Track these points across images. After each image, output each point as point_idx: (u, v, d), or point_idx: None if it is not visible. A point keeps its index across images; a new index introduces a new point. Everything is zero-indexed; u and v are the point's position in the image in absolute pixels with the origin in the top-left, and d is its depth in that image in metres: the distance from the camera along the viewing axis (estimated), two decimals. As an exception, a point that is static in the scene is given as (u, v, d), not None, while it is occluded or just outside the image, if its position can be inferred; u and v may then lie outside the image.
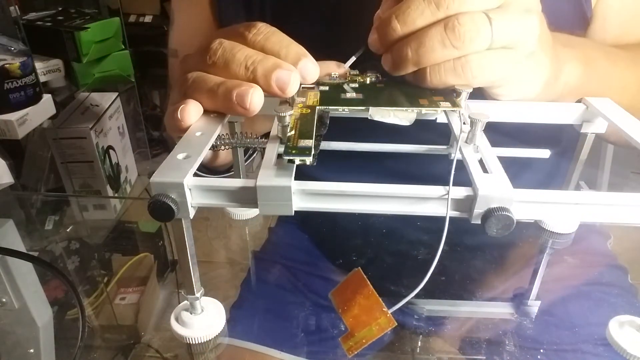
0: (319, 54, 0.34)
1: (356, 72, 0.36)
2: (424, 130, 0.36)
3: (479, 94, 0.34)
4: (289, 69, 0.30)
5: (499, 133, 0.33)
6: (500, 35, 0.30)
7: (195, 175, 0.27)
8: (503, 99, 0.35)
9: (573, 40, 0.41)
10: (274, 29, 0.32)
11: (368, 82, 0.35)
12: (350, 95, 0.33)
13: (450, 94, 0.32)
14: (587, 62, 0.39)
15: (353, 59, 0.36)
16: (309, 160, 0.26)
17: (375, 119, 0.31)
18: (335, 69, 0.36)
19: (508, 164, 0.28)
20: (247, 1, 0.50)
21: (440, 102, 0.31)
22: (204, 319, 0.34)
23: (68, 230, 0.65)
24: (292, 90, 0.30)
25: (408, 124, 0.31)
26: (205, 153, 0.29)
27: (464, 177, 0.27)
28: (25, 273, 0.49)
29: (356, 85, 0.35)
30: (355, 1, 0.33)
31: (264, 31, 0.32)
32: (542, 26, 0.32)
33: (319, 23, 0.48)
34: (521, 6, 0.31)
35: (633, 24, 0.48)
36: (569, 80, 0.37)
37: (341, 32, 0.33)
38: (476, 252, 0.51)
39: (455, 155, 0.29)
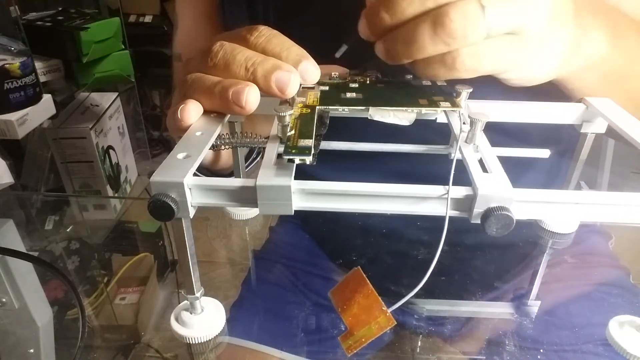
0: (323, 57, 0.34)
1: (356, 72, 0.37)
2: (424, 130, 0.36)
3: (480, 93, 0.34)
4: (289, 70, 0.30)
5: (499, 133, 0.33)
6: (496, 25, 0.28)
7: (196, 175, 0.27)
8: (515, 83, 0.34)
9: (603, 7, 0.38)
10: (275, 31, 0.32)
11: (368, 82, 0.35)
12: (350, 95, 0.33)
13: (450, 94, 0.32)
14: (615, 31, 0.36)
15: (342, 49, 0.35)
16: (308, 159, 0.26)
17: (375, 119, 0.31)
18: (336, 71, 0.36)
19: (509, 165, 0.28)
20: (251, 5, 0.50)
21: (440, 102, 0.31)
22: (204, 318, 0.34)
23: (68, 230, 0.65)
24: (292, 91, 0.30)
25: (408, 124, 0.31)
26: (205, 152, 0.29)
27: (464, 177, 0.27)
28: (25, 273, 0.49)
29: (356, 85, 0.35)
30: (359, 5, 0.32)
31: (265, 34, 0.32)
32: None
33: (322, 27, 0.48)
34: None
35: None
36: (594, 51, 0.35)
37: (344, 34, 0.33)
38: (476, 252, 0.51)
39: (455, 155, 0.29)
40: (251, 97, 0.29)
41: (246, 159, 0.54)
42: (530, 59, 0.31)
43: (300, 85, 0.31)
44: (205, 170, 0.47)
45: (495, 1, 0.28)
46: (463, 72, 0.29)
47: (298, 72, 0.30)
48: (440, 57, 0.29)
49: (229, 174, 0.51)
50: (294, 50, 0.31)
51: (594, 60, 0.35)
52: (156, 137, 1.88)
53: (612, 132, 0.45)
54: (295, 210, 0.27)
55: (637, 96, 0.35)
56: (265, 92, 0.30)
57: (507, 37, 0.29)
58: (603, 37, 0.35)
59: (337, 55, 0.36)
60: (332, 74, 0.36)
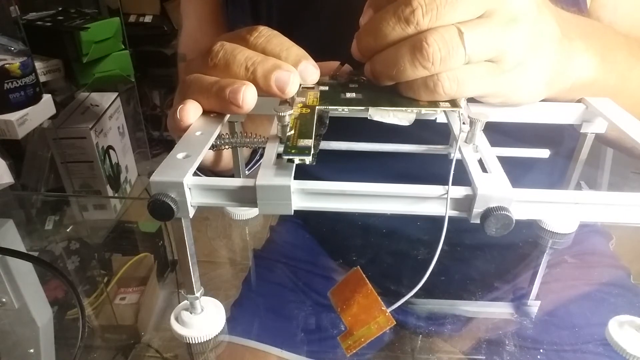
0: (325, 58, 0.34)
1: (356, 72, 0.36)
2: (423, 130, 0.36)
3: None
4: (289, 70, 0.30)
5: (499, 133, 0.33)
6: (475, 51, 0.28)
7: (196, 175, 0.27)
8: (498, 106, 0.34)
9: (593, 28, 0.38)
10: (275, 32, 0.32)
11: (368, 82, 0.35)
12: (350, 95, 0.33)
13: None
14: (605, 54, 0.36)
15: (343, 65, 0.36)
16: (308, 159, 0.26)
17: (375, 119, 0.31)
18: (333, 67, 0.36)
19: (509, 165, 0.28)
20: (254, 6, 0.50)
21: (440, 102, 0.31)
22: (203, 318, 0.34)
23: (68, 230, 0.65)
24: (291, 90, 0.30)
25: (408, 124, 0.31)
26: (205, 152, 0.29)
27: (463, 177, 0.27)
28: (25, 273, 0.49)
29: (356, 85, 0.35)
30: (359, 5, 0.32)
31: (265, 34, 0.32)
32: (540, 25, 0.31)
33: (324, 28, 0.48)
34: (506, 16, 0.29)
35: (630, 21, 0.48)
36: (582, 75, 0.35)
37: (347, 38, 0.33)
38: (476, 252, 0.51)
39: (455, 155, 0.29)
40: (248, 96, 0.29)
41: (248, 162, 0.54)
42: (511, 86, 0.32)
43: (300, 85, 0.32)
44: (207, 171, 0.48)
45: (475, 28, 0.28)
46: (444, 95, 0.30)
47: (298, 72, 0.30)
48: (423, 80, 0.30)
49: (231, 175, 0.51)
50: (294, 50, 0.31)
51: (581, 82, 0.35)
52: (156, 137, 1.88)
53: (606, 140, 0.45)
54: (295, 210, 0.27)
55: (630, 110, 0.35)
56: (265, 92, 0.30)
57: (487, 64, 0.30)
58: (591, 60, 0.35)
59: (335, 73, 0.36)
60: (332, 73, 0.36)
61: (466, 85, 0.29)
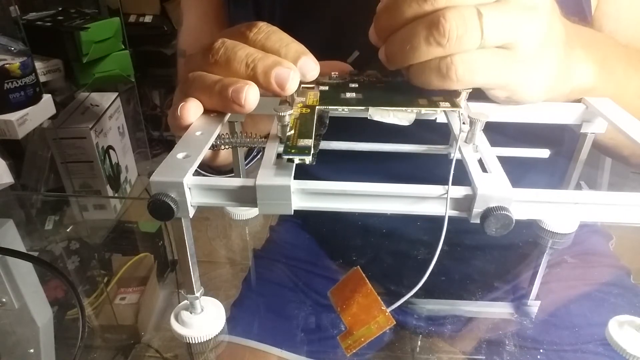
0: (327, 57, 0.33)
1: (356, 72, 0.37)
2: (423, 130, 0.36)
3: (480, 94, 0.34)
4: (289, 67, 0.30)
5: (499, 133, 0.33)
6: (492, 34, 0.28)
7: (196, 174, 0.27)
8: (502, 102, 0.34)
9: (594, 38, 0.39)
10: (275, 28, 0.32)
11: (368, 82, 0.35)
12: (350, 95, 0.33)
13: (450, 94, 0.32)
14: (604, 63, 0.37)
15: (354, 55, 0.36)
16: (308, 159, 0.26)
17: (375, 119, 0.31)
18: (337, 68, 0.36)
19: (510, 166, 0.28)
20: (256, 3, 0.50)
21: (440, 102, 0.31)
22: (203, 318, 0.34)
23: (68, 230, 0.65)
24: (291, 87, 0.30)
25: (407, 124, 0.31)
26: (205, 152, 0.29)
27: (463, 177, 0.27)
28: (25, 273, 0.49)
29: (356, 85, 0.35)
30: (363, 4, 0.32)
31: (264, 30, 0.32)
32: (552, 23, 0.30)
33: (327, 26, 0.48)
34: (524, 2, 0.28)
35: (632, 31, 0.48)
36: (581, 83, 0.36)
37: (349, 35, 0.33)
38: (476, 252, 0.51)
39: (455, 155, 0.29)
40: (250, 96, 0.29)
41: (246, 157, 0.54)
42: (520, 79, 0.31)
43: (300, 84, 0.31)
44: (205, 166, 0.48)
45: (493, 11, 0.28)
46: (456, 81, 0.29)
47: (297, 68, 0.30)
48: (435, 64, 0.29)
49: (229, 170, 0.51)
50: (293, 46, 0.31)
51: (580, 89, 0.36)
52: (156, 137, 1.88)
53: (603, 148, 0.44)
54: (295, 210, 0.27)
55: None
56: (265, 89, 0.30)
57: (501, 52, 0.29)
58: (591, 70, 0.35)
59: (349, 61, 0.36)
60: (332, 73, 0.36)
61: (479, 72, 0.29)
